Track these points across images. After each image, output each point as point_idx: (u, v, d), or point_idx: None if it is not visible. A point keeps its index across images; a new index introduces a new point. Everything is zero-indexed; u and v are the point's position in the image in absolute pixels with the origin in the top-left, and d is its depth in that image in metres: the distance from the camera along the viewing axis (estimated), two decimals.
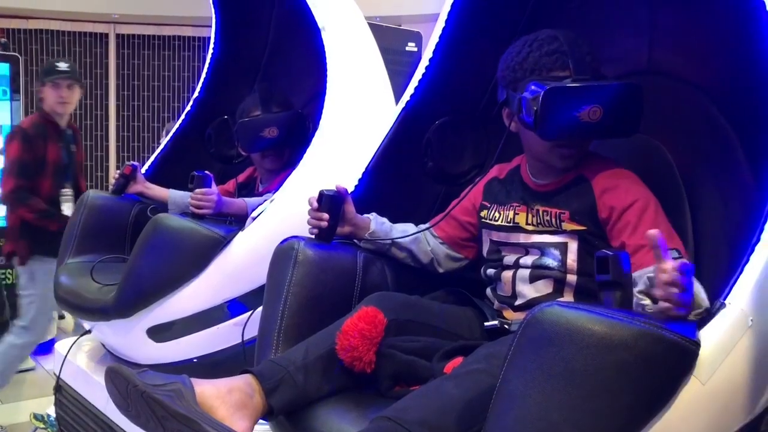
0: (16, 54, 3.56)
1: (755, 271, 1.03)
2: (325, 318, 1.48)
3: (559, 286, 1.48)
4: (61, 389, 2.38)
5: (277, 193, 2.13)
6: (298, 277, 1.53)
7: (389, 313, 1.42)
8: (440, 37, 1.84)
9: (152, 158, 2.81)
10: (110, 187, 2.58)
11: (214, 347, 2.09)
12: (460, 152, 1.91)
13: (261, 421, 1.32)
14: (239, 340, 1.96)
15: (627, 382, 0.95)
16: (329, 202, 1.62)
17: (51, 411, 2.53)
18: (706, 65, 1.56)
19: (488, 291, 1.62)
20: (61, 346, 2.49)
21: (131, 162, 2.60)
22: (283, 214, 2.04)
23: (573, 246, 1.47)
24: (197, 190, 2.17)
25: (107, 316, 2.13)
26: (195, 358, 2.10)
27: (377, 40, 2.48)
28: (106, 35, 7.74)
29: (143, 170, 2.70)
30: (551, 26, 1.56)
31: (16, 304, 3.25)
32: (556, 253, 1.49)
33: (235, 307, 2.07)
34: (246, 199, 2.35)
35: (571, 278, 1.47)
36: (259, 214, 2.06)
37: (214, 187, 2.21)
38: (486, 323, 1.54)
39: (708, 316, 1.03)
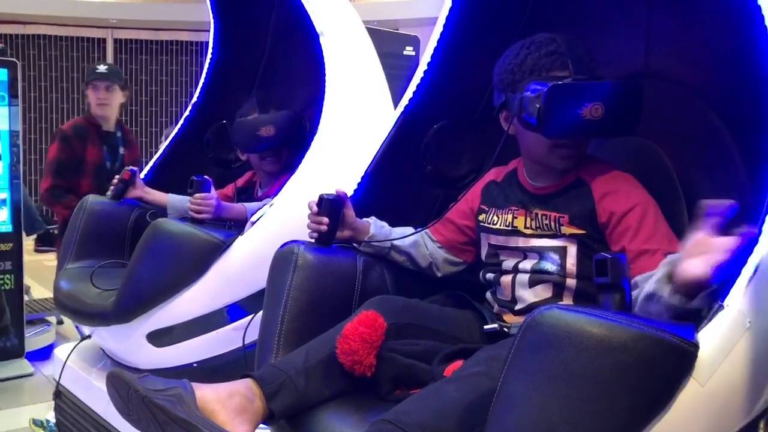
0: (14, 59, 3.56)
1: (752, 272, 1.03)
2: (326, 322, 1.48)
3: (559, 290, 1.49)
4: (60, 394, 2.38)
5: (276, 197, 2.13)
6: (298, 282, 1.53)
7: (389, 317, 1.42)
8: (438, 42, 1.85)
9: (151, 163, 2.81)
10: (109, 192, 2.58)
11: (214, 352, 2.09)
12: (458, 156, 1.91)
13: (262, 425, 1.33)
14: (239, 345, 1.97)
15: (626, 384, 0.95)
16: (329, 206, 1.63)
17: (50, 416, 2.53)
18: (702, 68, 1.57)
19: (488, 294, 1.63)
20: (60, 352, 2.49)
21: (130, 167, 2.61)
22: (283, 218, 2.05)
23: (572, 250, 1.48)
24: (196, 195, 2.18)
25: (107, 321, 2.13)
26: (195, 362, 2.10)
27: (375, 45, 2.49)
28: (104, 40, 7.75)
29: (142, 175, 2.71)
30: (549, 30, 1.56)
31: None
32: (555, 257, 1.49)
33: (234, 311, 2.07)
34: (245, 203, 2.36)
35: (571, 282, 1.48)
36: (258, 219, 2.06)
37: (214, 192, 2.22)
38: (486, 326, 1.54)
39: (706, 318, 1.03)
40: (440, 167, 1.90)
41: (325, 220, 1.62)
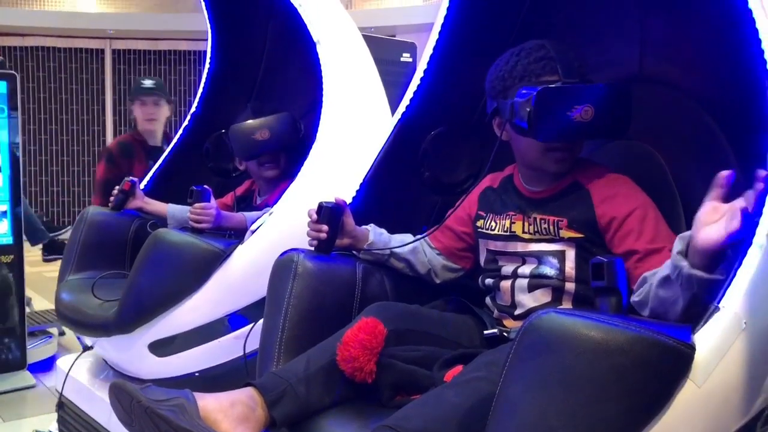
0: (13, 72, 3.57)
1: (748, 274, 1.04)
2: (326, 329, 1.49)
3: (558, 294, 1.50)
4: (63, 406, 2.38)
5: (275, 205, 2.14)
6: (298, 290, 1.54)
7: (389, 323, 1.43)
8: (434, 49, 1.86)
9: (151, 173, 2.82)
10: (110, 204, 2.59)
11: (216, 361, 2.10)
12: (456, 162, 1.92)
13: None
14: (241, 353, 1.97)
15: (624, 386, 0.96)
16: (328, 214, 1.63)
17: (54, 428, 2.54)
18: (696, 71, 1.58)
19: (488, 300, 1.64)
20: (63, 363, 2.50)
21: (130, 178, 2.62)
22: (282, 226, 2.06)
23: (571, 254, 1.49)
24: (196, 205, 2.19)
25: (109, 332, 2.14)
26: (197, 372, 2.11)
27: (372, 52, 2.50)
28: (102, 51, 7.77)
29: (142, 185, 2.72)
30: (543, 36, 1.58)
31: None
32: (554, 261, 1.50)
33: (235, 320, 2.08)
34: (245, 212, 2.37)
35: (570, 286, 1.48)
36: (258, 227, 2.07)
37: (213, 202, 2.23)
38: (485, 331, 1.55)
39: (703, 319, 1.04)
40: (438, 173, 1.91)
41: (325, 228, 1.63)
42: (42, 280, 5.27)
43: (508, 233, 1.58)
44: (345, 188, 1.83)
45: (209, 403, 1.27)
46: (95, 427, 2.23)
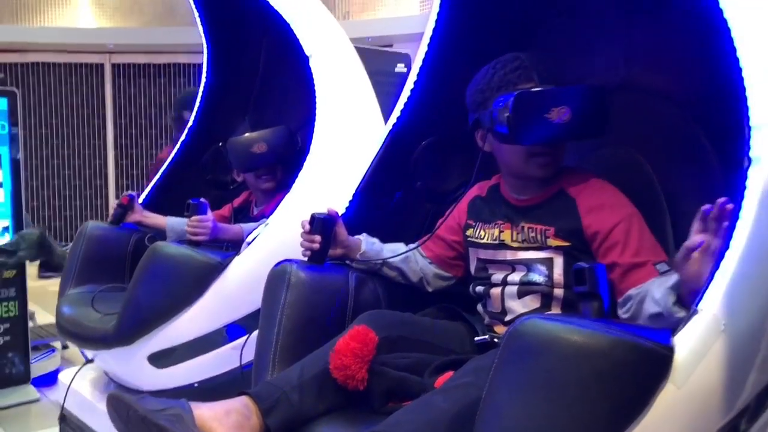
0: (14, 89, 3.60)
1: (726, 277, 1.07)
2: (320, 338, 1.51)
3: (547, 300, 1.52)
4: (65, 419, 2.40)
5: (270, 217, 2.17)
6: (292, 299, 1.57)
7: (381, 331, 1.45)
8: (423, 60, 1.89)
9: (149, 187, 2.85)
10: (109, 218, 2.63)
11: (216, 371, 2.12)
12: (447, 171, 1.94)
13: None
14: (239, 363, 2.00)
15: (605, 389, 0.98)
16: (321, 224, 1.66)
17: None
18: (680, 79, 1.62)
19: (479, 307, 1.66)
20: (64, 376, 2.52)
21: (128, 192, 2.65)
22: (277, 237, 2.08)
23: (558, 261, 1.51)
24: (193, 218, 2.22)
25: (109, 345, 2.16)
26: (196, 382, 2.13)
27: (367, 63, 2.53)
28: (102, 65, 7.82)
29: (141, 199, 2.75)
30: (532, 47, 1.62)
31: None
32: (543, 268, 1.52)
33: (233, 330, 2.10)
34: (242, 224, 2.40)
35: (558, 292, 1.51)
36: (253, 239, 2.10)
37: (210, 214, 2.25)
38: (476, 338, 1.57)
39: (682, 322, 1.06)
40: (429, 183, 1.93)
41: (318, 238, 1.65)
42: (45, 294, 5.29)
43: (497, 242, 1.60)
44: (338, 199, 1.86)
45: (205, 412, 1.29)
46: None
